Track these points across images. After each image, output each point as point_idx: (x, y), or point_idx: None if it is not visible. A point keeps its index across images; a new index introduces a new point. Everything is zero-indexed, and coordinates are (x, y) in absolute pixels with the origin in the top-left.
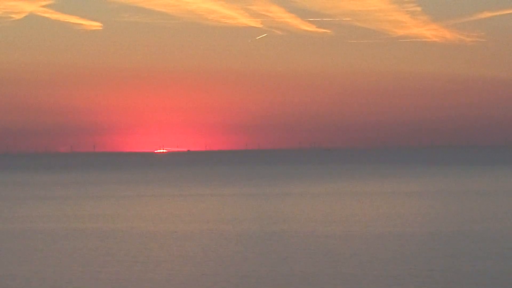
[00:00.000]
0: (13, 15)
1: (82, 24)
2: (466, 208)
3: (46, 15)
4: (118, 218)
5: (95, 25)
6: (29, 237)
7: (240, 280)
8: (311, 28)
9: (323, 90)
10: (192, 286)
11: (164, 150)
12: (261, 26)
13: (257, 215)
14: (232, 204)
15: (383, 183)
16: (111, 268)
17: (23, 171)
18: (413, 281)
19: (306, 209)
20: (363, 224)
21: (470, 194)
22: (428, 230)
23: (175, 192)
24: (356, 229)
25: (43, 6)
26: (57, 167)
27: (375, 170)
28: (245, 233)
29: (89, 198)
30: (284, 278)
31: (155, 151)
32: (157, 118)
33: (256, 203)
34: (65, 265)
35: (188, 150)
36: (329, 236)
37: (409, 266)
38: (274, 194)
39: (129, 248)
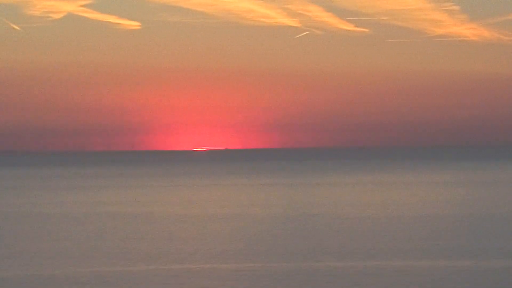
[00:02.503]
0: (52, 15)
1: (120, 23)
2: (494, 195)
3: (85, 14)
4: (163, 204)
5: (134, 24)
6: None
7: (263, 255)
8: (349, 27)
9: (361, 89)
10: (217, 259)
11: (203, 149)
12: (299, 25)
13: (288, 200)
14: (265, 192)
15: (419, 174)
16: (155, 243)
17: (69, 167)
18: (441, 254)
19: (336, 195)
20: (395, 207)
21: (501, 184)
22: (458, 213)
23: (212, 182)
24: (388, 212)
25: (82, 6)
26: (99, 163)
27: (411, 165)
28: (275, 215)
29: (140, 187)
30: (305, 253)
31: (194, 149)
32: (195, 118)
33: (288, 191)
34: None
35: (226, 148)
36: (363, 218)
37: (436, 242)
38: (305, 184)
39: (166, 228)
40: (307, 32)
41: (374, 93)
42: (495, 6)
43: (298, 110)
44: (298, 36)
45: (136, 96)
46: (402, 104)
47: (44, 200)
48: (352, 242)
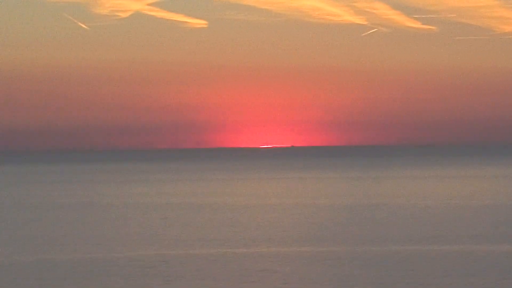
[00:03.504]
0: (119, 14)
1: (187, 22)
2: None
3: (152, 13)
4: (228, 195)
5: (201, 23)
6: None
7: (326, 240)
8: (416, 25)
9: (428, 87)
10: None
11: (269, 146)
12: (366, 23)
13: (352, 192)
14: (329, 185)
15: (486, 169)
16: (217, 230)
17: (137, 163)
18: (495, 239)
19: (399, 188)
20: (463, 199)
21: None
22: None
23: (277, 176)
24: (450, 202)
25: (149, 4)
26: (165, 159)
27: (478, 161)
28: (339, 205)
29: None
30: (364, 241)
31: (260, 146)
32: (261, 115)
33: (352, 184)
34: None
35: (292, 146)
36: (425, 207)
37: (498, 228)
38: (370, 178)
39: (234, 217)
40: (375, 29)
41: (442, 91)
42: None
43: (365, 108)
44: (365, 34)
45: (203, 94)
46: (470, 101)
47: (113, 192)
48: (412, 229)
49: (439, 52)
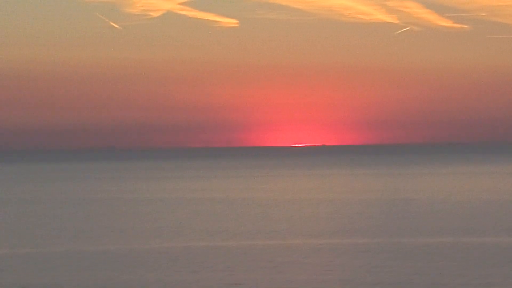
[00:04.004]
0: (151, 13)
1: (219, 21)
2: None
3: (184, 12)
4: (260, 191)
5: (232, 22)
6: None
7: (355, 232)
8: (448, 23)
9: (460, 86)
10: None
11: (301, 145)
12: (397, 22)
13: (382, 187)
14: (360, 181)
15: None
16: (247, 223)
17: (170, 160)
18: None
19: (429, 184)
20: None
21: None
22: None
23: (309, 173)
24: (479, 197)
25: (181, 4)
26: (198, 157)
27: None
28: (369, 200)
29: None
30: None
31: (293, 145)
32: (293, 114)
33: (383, 180)
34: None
35: (323, 145)
36: (455, 202)
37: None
38: (400, 174)
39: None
40: (407, 28)
41: (474, 89)
42: None
43: (397, 106)
44: (397, 32)
45: (234, 94)
46: (502, 100)
47: (146, 187)
48: (442, 222)
49: (471, 51)
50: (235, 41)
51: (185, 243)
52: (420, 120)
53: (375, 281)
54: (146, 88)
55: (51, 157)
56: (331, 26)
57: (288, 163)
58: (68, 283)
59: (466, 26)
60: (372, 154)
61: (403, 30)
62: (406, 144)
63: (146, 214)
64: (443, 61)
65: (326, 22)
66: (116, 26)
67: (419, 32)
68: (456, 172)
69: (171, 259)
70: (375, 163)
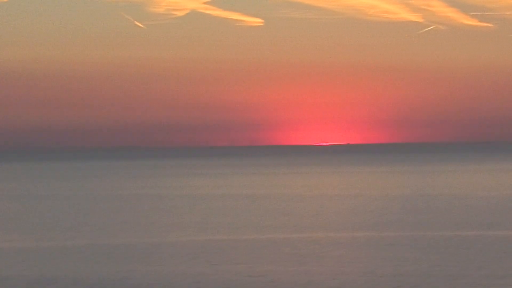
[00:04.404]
0: (175, 12)
1: (243, 20)
2: None
3: (208, 11)
4: (285, 187)
5: (256, 21)
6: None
7: (377, 226)
8: (473, 22)
9: (486, 85)
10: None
11: (326, 143)
12: (422, 20)
13: (406, 184)
14: (384, 178)
15: None
16: (271, 217)
17: (194, 159)
18: None
19: (453, 180)
20: None
21: None
22: None
23: (334, 170)
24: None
25: (205, 3)
26: (224, 156)
27: None
28: (395, 196)
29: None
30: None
31: (318, 144)
32: (317, 113)
33: (406, 177)
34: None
35: (348, 143)
36: (481, 198)
37: None
38: (424, 171)
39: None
40: (433, 27)
41: (500, 88)
42: None
43: (421, 105)
44: (422, 31)
45: (259, 92)
46: None
47: (173, 184)
48: (468, 216)
49: (496, 50)
50: (260, 40)
51: (208, 236)
52: (445, 119)
53: (397, 273)
54: (171, 87)
55: (81, 156)
56: (355, 25)
57: (312, 161)
58: (91, 275)
59: (491, 25)
60: (396, 152)
61: (428, 29)
62: (431, 142)
63: (171, 209)
64: (467, 60)
65: (351, 21)
66: (140, 25)
67: (444, 31)
68: (481, 170)
69: (193, 252)
70: (399, 161)
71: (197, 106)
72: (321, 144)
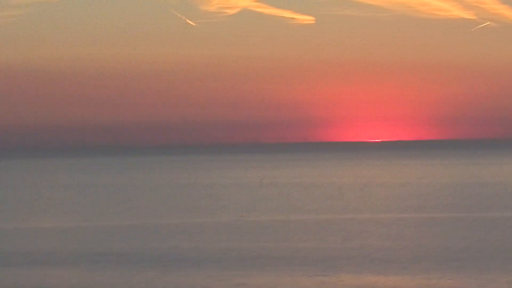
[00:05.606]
0: (227, 10)
1: (295, 18)
2: None
3: (259, 9)
4: (331, 177)
5: (308, 19)
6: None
7: (425, 208)
8: None
9: None
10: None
11: (378, 140)
12: (474, 18)
13: (452, 173)
14: (434, 169)
15: None
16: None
17: (245, 154)
18: None
19: (495, 170)
20: None
21: None
22: None
23: (383, 163)
24: None
25: (257, 1)
26: (277, 152)
27: None
28: (442, 183)
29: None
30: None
31: (370, 141)
32: (369, 111)
33: (453, 168)
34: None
35: (399, 140)
36: None
37: None
38: (470, 163)
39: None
40: (487, 23)
41: None
42: None
43: (475, 102)
44: (475, 28)
45: (310, 90)
46: None
47: (239, 175)
48: (501, 200)
49: None
50: (311, 38)
51: (257, 217)
52: (498, 115)
53: (443, 247)
54: (221, 86)
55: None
56: (407, 23)
57: (365, 155)
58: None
59: None
60: (448, 148)
61: (481, 25)
62: (484, 139)
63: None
64: None
65: (403, 19)
66: (192, 23)
67: (497, 28)
68: None
69: (239, 232)
70: (451, 155)
71: (249, 104)
72: (374, 141)
